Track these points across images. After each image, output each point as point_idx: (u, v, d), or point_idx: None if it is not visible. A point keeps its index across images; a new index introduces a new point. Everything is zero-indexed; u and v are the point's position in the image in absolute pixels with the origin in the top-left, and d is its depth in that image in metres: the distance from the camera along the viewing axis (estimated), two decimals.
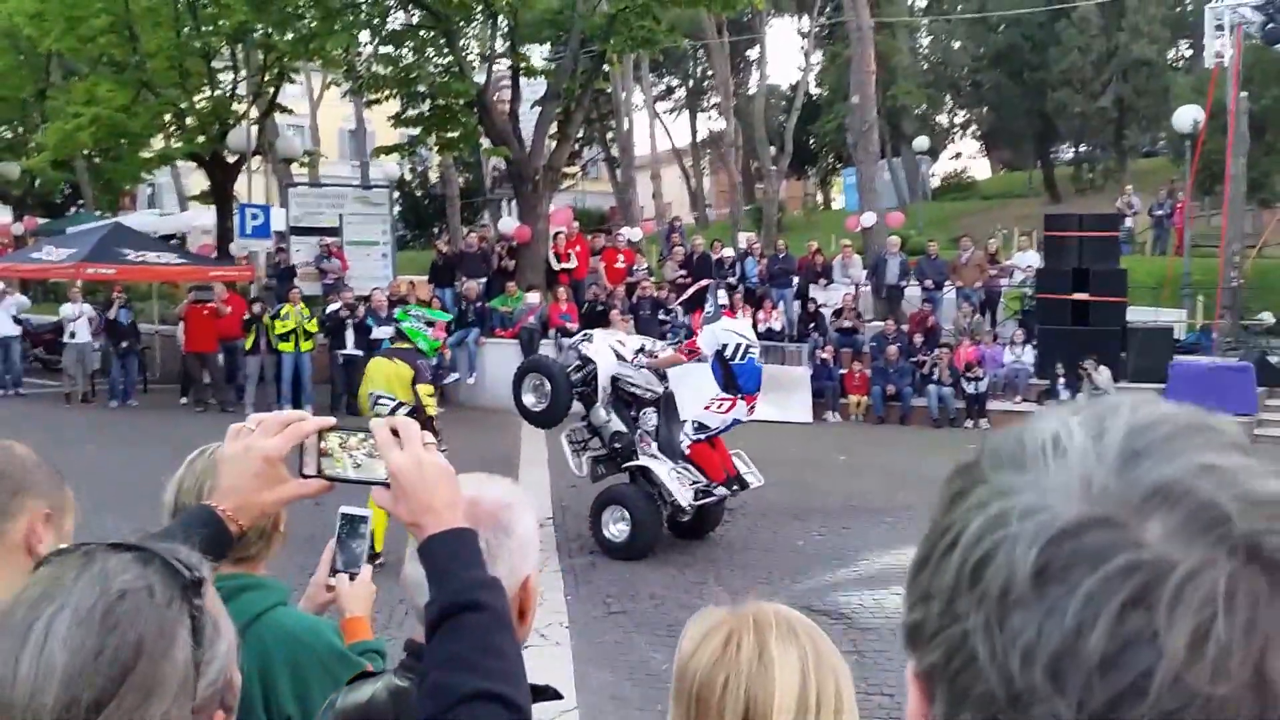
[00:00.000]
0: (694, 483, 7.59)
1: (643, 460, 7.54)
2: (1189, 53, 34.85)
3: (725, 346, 7.70)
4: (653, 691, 5.22)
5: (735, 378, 7.72)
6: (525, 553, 1.35)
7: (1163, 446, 0.49)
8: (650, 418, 7.71)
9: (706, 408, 7.79)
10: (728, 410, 7.72)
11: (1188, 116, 17.62)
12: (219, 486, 1.30)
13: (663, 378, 7.97)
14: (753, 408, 7.93)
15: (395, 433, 1.21)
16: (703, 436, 7.79)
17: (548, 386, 7.73)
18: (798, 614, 1.26)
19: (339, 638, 1.83)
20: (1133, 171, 30.36)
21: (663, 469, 7.47)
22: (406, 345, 7.57)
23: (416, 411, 7.19)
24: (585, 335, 8.19)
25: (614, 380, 7.75)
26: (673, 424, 7.78)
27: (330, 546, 1.96)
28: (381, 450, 1.20)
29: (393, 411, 7.10)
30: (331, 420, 1.28)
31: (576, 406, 7.97)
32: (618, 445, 7.69)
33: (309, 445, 1.27)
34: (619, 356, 7.85)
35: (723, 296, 8.64)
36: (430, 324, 7.93)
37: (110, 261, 15.47)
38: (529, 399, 7.89)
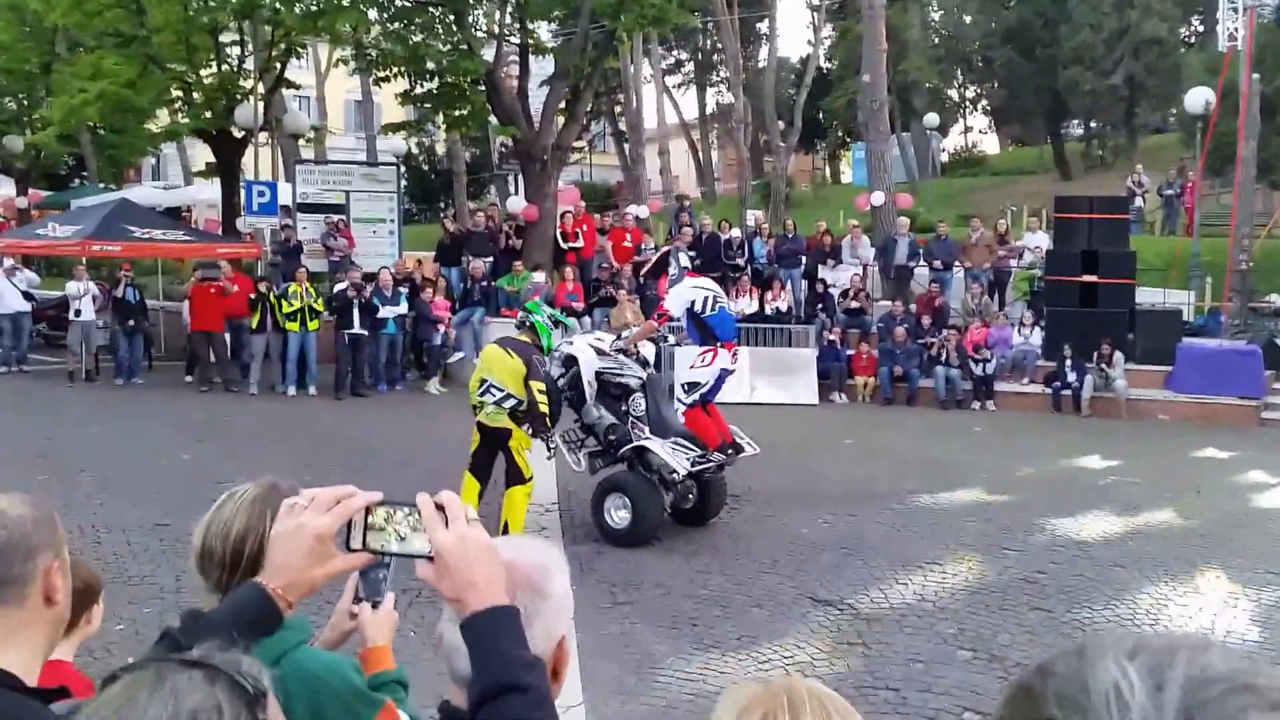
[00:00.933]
0: (689, 454, 7.67)
1: (637, 443, 7.61)
2: (1201, 29, 34.46)
3: (694, 303, 7.89)
4: (658, 685, 5.24)
5: (711, 329, 7.89)
6: (560, 614, 1.38)
7: (1216, 708, 0.54)
8: (639, 403, 7.77)
9: (691, 366, 7.93)
10: (712, 360, 7.86)
11: (1199, 98, 17.41)
12: (270, 563, 1.35)
13: (645, 364, 8.06)
14: (735, 354, 8.08)
15: (440, 507, 1.26)
16: (696, 396, 7.86)
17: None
18: (830, 691, 1.27)
19: (359, 674, 1.85)
20: (1142, 148, 30.13)
21: (656, 444, 7.53)
22: (525, 338, 7.49)
23: (530, 408, 7.23)
24: (567, 340, 8.22)
25: (599, 376, 7.84)
26: (662, 406, 7.87)
27: (353, 575, 1.98)
28: (426, 526, 1.25)
29: (498, 403, 7.25)
30: (379, 495, 1.32)
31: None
32: (613, 437, 7.76)
33: (356, 519, 1.32)
34: (599, 352, 7.93)
35: (684, 259, 8.69)
36: (557, 324, 7.96)
37: (116, 238, 15.43)
38: None
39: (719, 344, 7.89)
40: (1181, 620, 6.14)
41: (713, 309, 7.90)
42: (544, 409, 7.24)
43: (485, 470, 7.52)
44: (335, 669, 1.80)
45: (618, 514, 7.54)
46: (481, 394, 7.36)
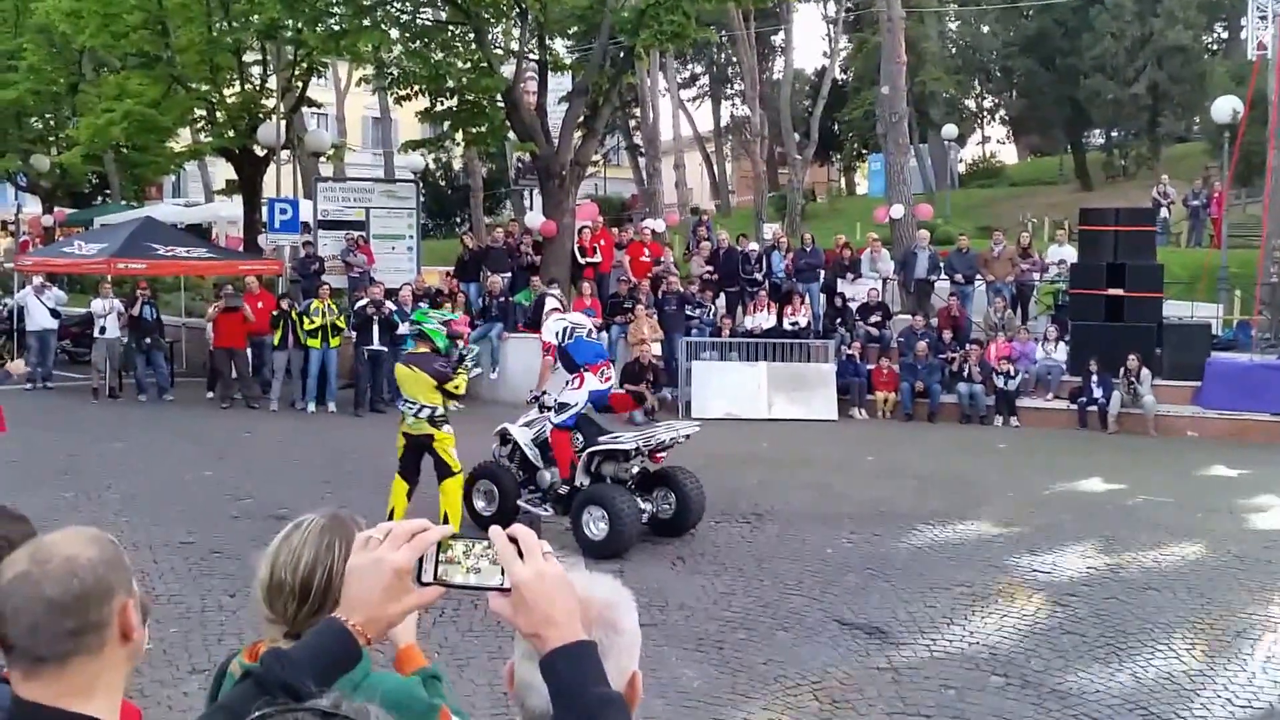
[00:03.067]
0: (632, 437, 8.13)
1: (586, 451, 8.08)
2: (1225, 36, 34.21)
3: (557, 334, 8.56)
4: (685, 709, 5.17)
5: (570, 356, 8.41)
6: (632, 651, 1.39)
7: None
8: (577, 439, 8.28)
9: (561, 390, 8.43)
10: (579, 386, 8.24)
11: (1226, 107, 17.22)
12: (347, 598, 1.34)
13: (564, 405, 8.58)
14: (603, 375, 8.41)
15: (514, 541, 1.27)
16: (566, 417, 8.18)
17: (496, 491, 8.34)
18: None
19: (422, 689, 1.90)
20: (1165, 158, 29.85)
21: (606, 436, 8.13)
22: (423, 349, 8.12)
23: (451, 398, 7.93)
24: (501, 429, 8.77)
25: (535, 441, 8.48)
26: (594, 433, 8.38)
27: None
28: (504, 562, 1.26)
29: (415, 414, 7.94)
30: (452, 529, 1.35)
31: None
32: (571, 480, 8.22)
33: (428, 553, 1.32)
34: (529, 424, 8.62)
35: (552, 302, 9.62)
36: (445, 323, 8.53)
37: (141, 256, 15.56)
38: (479, 504, 8.42)
39: (583, 368, 8.31)
40: (1219, 644, 6.01)
41: (569, 339, 8.47)
42: (460, 391, 7.98)
43: (413, 472, 8.16)
44: (410, 690, 1.84)
45: (596, 525, 7.73)
46: (402, 408, 8.18)
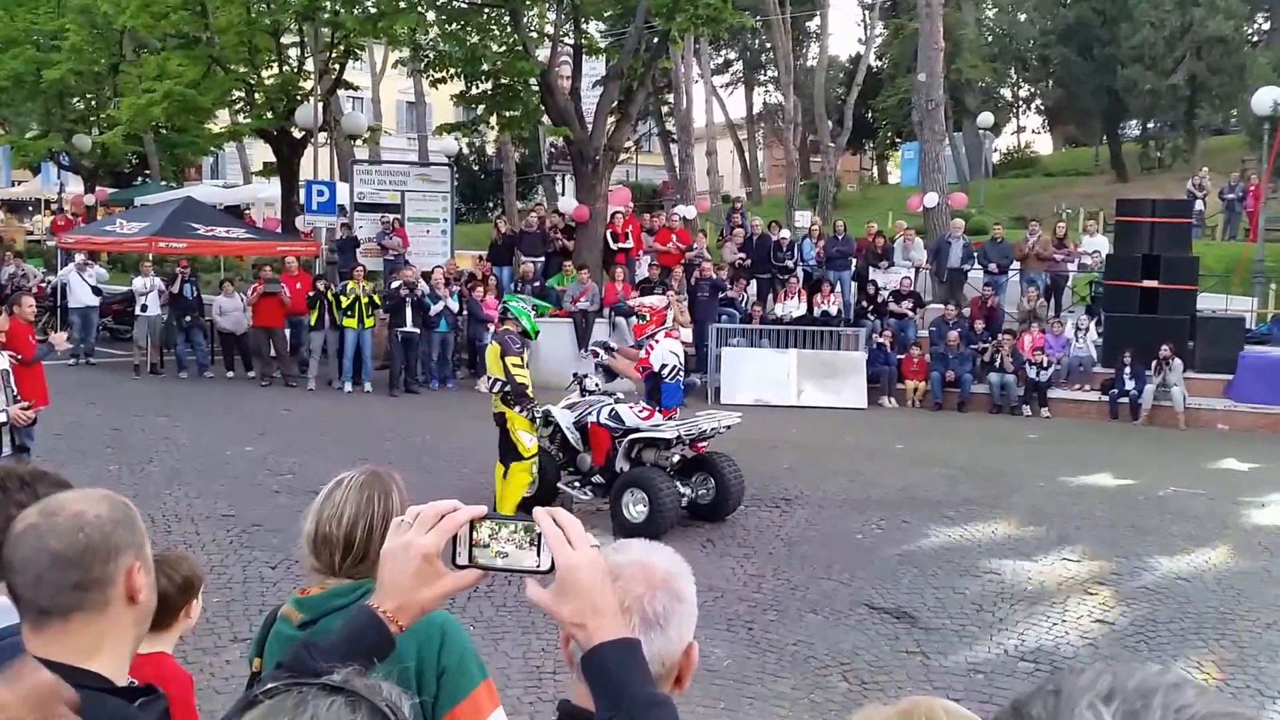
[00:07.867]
0: (674, 426, 8.17)
1: (628, 438, 8.10)
2: (1267, 27, 33.54)
3: (664, 366, 8.39)
4: (715, 688, 5.27)
5: (660, 393, 8.39)
6: (691, 620, 1.37)
7: None
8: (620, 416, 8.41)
9: (630, 407, 8.44)
10: (645, 419, 8.29)
11: (1267, 99, 16.98)
12: (380, 584, 1.32)
13: (609, 393, 8.81)
14: (669, 420, 8.51)
15: (559, 526, 1.23)
16: (613, 425, 8.29)
17: (536, 472, 8.38)
18: (963, 710, 1.23)
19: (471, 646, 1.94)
20: (1202, 150, 29.38)
21: (647, 424, 8.16)
22: (509, 328, 8.12)
23: (508, 380, 7.80)
24: (544, 411, 8.74)
25: (577, 424, 8.53)
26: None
27: None
28: (552, 547, 1.21)
29: (491, 388, 7.88)
30: (484, 510, 1.30)
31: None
32: (606, 467, 8.30)
33: (461, 535, 1.29)
34: (570, 406, 8.65)
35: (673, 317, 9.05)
36: (534, 309, 8.59)
37: (181, 235, 15.85)
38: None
39: (659, 409, 8.33)
40: (1250, 637, 6.03)
41: (671, 378, 8.38)
42: (521, 380, 7.76)
43: (504, 454, 8.13)
44: (458, 626, 1.90)
45: (635, 508, 7.86)
46: (489, 388, 8.13)
